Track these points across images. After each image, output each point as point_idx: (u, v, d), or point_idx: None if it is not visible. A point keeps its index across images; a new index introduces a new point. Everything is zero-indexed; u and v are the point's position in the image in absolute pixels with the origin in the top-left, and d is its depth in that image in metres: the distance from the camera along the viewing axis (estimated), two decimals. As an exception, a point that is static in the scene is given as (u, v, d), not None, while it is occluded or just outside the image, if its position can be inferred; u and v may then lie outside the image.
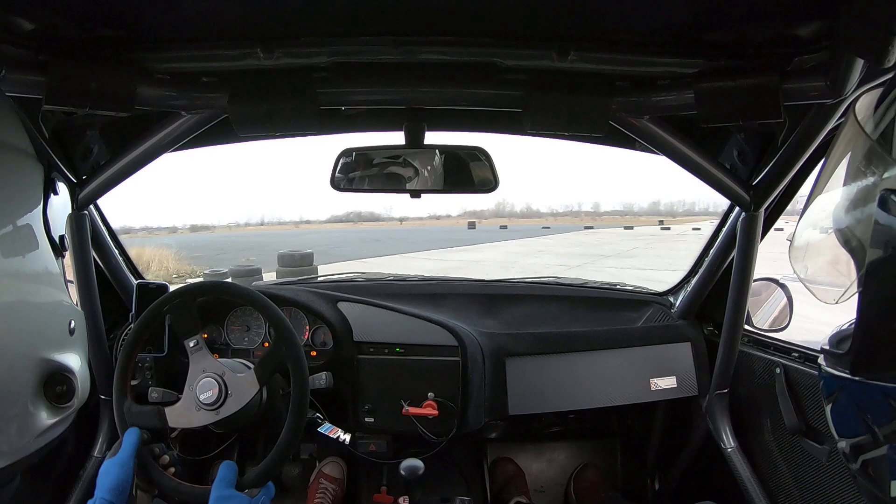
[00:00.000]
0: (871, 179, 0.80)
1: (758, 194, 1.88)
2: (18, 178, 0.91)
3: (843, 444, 0.92)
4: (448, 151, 1.91)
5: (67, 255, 1.44)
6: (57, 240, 0.99)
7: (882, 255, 0.75)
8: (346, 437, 1.99)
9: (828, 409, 0.99)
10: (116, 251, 2.33)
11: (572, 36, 1.48)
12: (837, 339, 0.93)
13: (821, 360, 1.00)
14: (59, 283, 0.97)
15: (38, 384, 0.90)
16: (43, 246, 0.93)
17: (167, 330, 2.18)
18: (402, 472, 2.17)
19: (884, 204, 0.75)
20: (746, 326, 2.30)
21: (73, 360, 0.98)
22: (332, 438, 1.99)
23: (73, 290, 2.15)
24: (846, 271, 0.87)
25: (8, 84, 1.42)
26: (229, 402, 1.72)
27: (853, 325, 0.84)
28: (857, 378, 0.84)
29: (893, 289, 0.74)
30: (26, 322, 0.88)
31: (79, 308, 1.03)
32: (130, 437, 1.62)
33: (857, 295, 0.81)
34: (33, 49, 1.44)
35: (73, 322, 0.99)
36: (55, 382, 0.93)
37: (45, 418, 0.92)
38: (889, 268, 0.74)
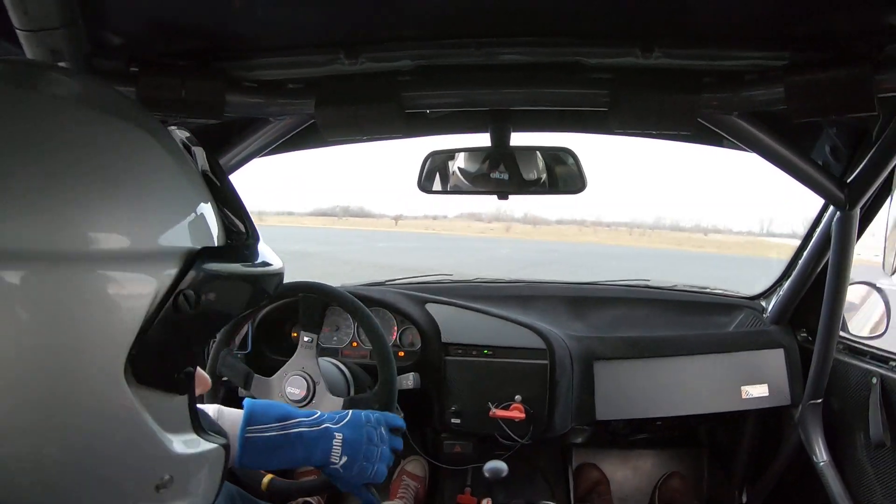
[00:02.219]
0: None
1: (853, 192, 1.81)
2: (104, 303, 0.64)
3: None
4: (535, 152, 1.92)
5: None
6: (176, 376, 0.74)
7: None
8: None
9: None
10: None
11: (656, 32, 1.47)
12: None
13: None
14: (149, 435, 0.72)
15: None
16: (120, 397, 0.67)
17: (250, 328, 2.27)
18: (486, 474, 2.19)
19: None
20: (842, 333, 2.23)
21: None
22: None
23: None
24: None
25: None
26: (315, 401, 1.78)
27: None
28: None
29: None
30: (78, 489, 0.68)
31: (199, 448, 0.79)
32: None
33: None
34: (124, 61, 1.51)
35: (166, 475, 0.74)
36: None
37: None
38: None
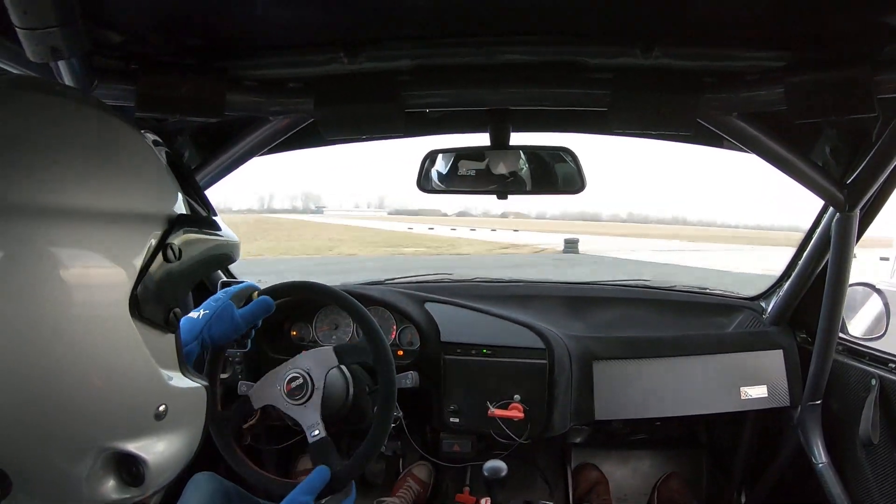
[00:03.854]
0: None
1: (852, 193, 1.81)
2: (113, 251, 0.82)
3: None
4: (534, 152, 1.93)
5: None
6: (167, 315, 0.90)
7: None
8: None
9: None
10: None
11: (656, 32, 1.48)
12: None
13: None
14: (149, 366, 0.88)
15: (106, 466, 0.86)
16: (127, 330, 0.84)
17: None
18: (485, 473, 2.19)
19: None
20: (841, 334, 2.23)
21: (153, 447, 0.90)
22: None
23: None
24: None
25: (100, 93, 1.48)
26: (315, 397, 1.78)
27: None
28: None
29: None
30: (93, 415, 0.83)
31: (184, 384, 0.96)
32: (259, 309, 1.67)
33: None
34: (124, 59, 1.51)
35: (162, 406, 0.90)
36: (129, 463, 0.88)
37: (112, 494, 0.88)
38: None
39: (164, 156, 0.96)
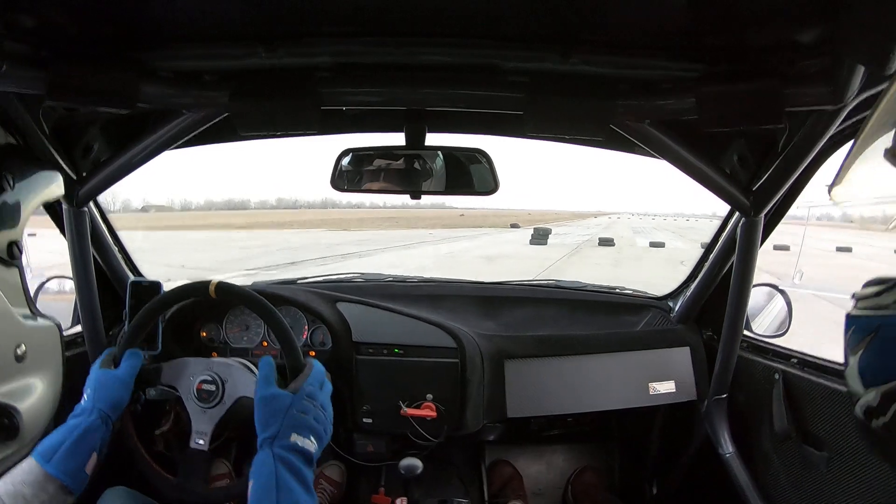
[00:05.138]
0: None
1: (758, 199, 1.88)
2: None
3: (871, 396, 0.84)
4: (448, 153, 1.91)
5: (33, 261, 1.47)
6: (5, 248, 0.90)
7: None
8: None
9: (854, 360, 0.92)
10: (115, 248, 2.32)
11: (574, 39, 1.48)
12: (872, 282, 0.88)
13: (849, 309, 0.92)
14: (1, 305, 0.88)
15: None
16: None
17: (160, 327, 2.17)
18: (401, 471, 2.18)
19: None
20: (745, 332, 2.30)
21: (20, 393, 0.89)
22: None
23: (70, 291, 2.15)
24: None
25: (8, 79, 1.42)
26: (226, 400, 1.71)
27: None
28: None
29: None
30: None
31: (37, 322, 0.94)
32: (133, 360, 1.48)
33: None
34: (35, 45, 1.44)
35: (21, 347, 0.90)
36: (0, 416, 0.85)
37: None
38: None
39: None
